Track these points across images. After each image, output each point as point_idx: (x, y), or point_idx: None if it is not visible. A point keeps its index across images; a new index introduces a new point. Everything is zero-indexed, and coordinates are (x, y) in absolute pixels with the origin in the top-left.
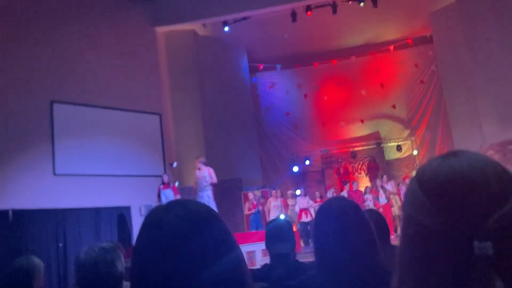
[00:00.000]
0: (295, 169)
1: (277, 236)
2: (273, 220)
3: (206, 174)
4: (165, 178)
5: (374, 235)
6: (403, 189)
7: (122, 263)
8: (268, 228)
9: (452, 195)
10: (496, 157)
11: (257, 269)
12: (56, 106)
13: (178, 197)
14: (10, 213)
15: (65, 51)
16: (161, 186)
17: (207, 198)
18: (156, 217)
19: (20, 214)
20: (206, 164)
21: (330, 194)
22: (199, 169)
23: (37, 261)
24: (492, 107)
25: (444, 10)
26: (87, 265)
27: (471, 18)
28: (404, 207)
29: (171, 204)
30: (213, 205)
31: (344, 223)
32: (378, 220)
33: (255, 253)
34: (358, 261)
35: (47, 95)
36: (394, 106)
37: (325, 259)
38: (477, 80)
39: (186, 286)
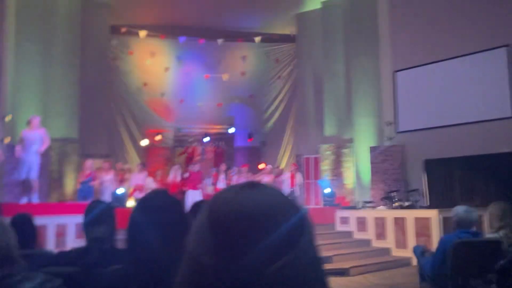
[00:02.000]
0: (143, 142)
1: (96, 218)
2: (94, 201)
3: (38, 137)
4: None
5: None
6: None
7: None
8: (87, 209)
9: (237, 235)
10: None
11: (70, 251)
12: None
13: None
14: None
15: None
16: None
17: (36, 166)
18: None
19: None
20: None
21: (172, 173)
22: (30, 127)
23: None
24: (334, 111)
25: (309, 13)
26: None
27: (329, 27)
28: (188, 240)
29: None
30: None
31: (162, 220)
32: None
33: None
34: (171, 258)
35: None
36: (252, 96)
37: (137, 252)
38: (325, 83)
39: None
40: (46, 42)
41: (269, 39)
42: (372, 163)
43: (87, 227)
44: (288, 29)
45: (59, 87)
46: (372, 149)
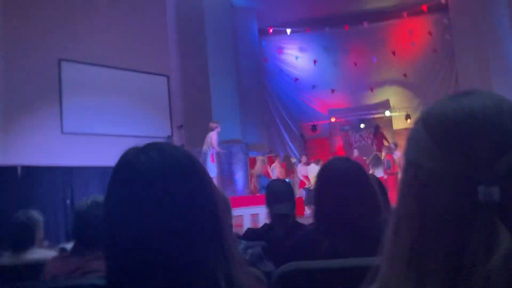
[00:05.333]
0: (301, 136)
1: (278, 196)
2: (274, 180)
3: (209, 139)
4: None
5: (377, 197)
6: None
7: None
8: (268, 188)
9: (459, 135)
10: None
11: (257, 228)
12: (64, 64)
13: None
14: (19, 169)
15: (72, 11)
16: None
17: (207, 160)
18: (127, 159)
19: (28, 170)
20: (212, 129)
21: None
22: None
23: (36, 215)
24: (505, 79)
25: None
26: (79, 216)
27: None
28: (406, 150)
29: (146, 145)
30: (212, 168)
31: (347, 182)
32: (379, 185)
33: (259, 216)
34: (358, 221)
35: (55, 53)
36: (405, 75)
37: (324, 217)
38: (491, 50)
39: (155, 234)
40: (203, 54)
41: (417, 12)
42: None
43: (270, 205)
44: None
45: (222, 95)
46: None
